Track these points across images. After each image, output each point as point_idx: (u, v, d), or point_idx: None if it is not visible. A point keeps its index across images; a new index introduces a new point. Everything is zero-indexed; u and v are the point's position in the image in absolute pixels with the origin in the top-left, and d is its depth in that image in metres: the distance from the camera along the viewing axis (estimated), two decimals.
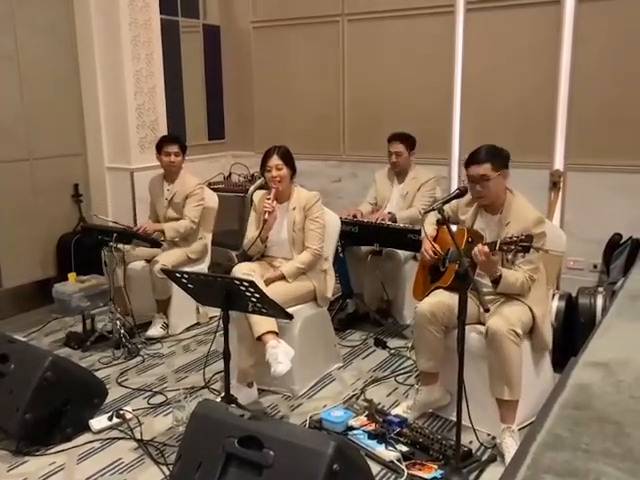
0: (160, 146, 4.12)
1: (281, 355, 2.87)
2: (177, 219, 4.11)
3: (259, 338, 2.96)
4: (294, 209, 3.35)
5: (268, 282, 3.19)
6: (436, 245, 2.93)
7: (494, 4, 4.49)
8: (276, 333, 2.98)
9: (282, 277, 3.24)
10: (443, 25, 4.70)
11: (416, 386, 2.99)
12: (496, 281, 2.66)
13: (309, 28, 5.32)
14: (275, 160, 3.29)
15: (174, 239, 4.07)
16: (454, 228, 3.11)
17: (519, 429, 2.67)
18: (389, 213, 4.09)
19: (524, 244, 2.46)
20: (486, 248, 2.55)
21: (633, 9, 4.03)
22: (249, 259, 3.47)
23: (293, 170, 3.37)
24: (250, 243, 3.33)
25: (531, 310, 2.75)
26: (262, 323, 2.96)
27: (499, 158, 2.74)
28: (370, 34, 5.05)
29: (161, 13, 4.97)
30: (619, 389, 1.11)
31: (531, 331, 2.79)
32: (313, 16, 5.26)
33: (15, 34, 4.40)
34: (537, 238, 2.64)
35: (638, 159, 4.11)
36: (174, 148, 4.08)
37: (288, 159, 3.34)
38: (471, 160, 2.75)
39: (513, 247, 2.49)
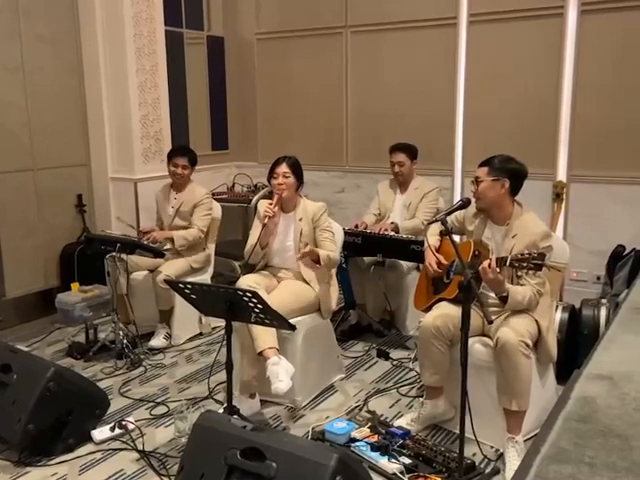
0: (170, 156, 4.15)
1: (282, 373, 2.85)
2: (184, 227, 4.12)
3: (260, 353, 2.95)
4: (300, 220, 3.35)
5: (303, 255, 3.17)
6: (440, 256, 2.94)
7: (497, 16, 4.51)
8: (277, 349, 2.96)
9: (316, 255, 3.21)
10: (446, 37, 4.73)
11: (421, 399, 2.97)
12: (503, 299, 2.65)
13: (313, 40, 5.36)
14: (283, 168, 3.30)
15: (182, 247, 4.07)
16: (459, 239, 3.11)
17: (524, 440, 2.66)
18: (392, 223, 4.09)
19: (536, 262, 2.40)
20: (494, 264, 2.52)
21: (636, 21, 4.05)
22: (252, 268, 3.46)
23: (300, 181, 3.37)
24: (250, 249, 3.32)
25: (536, 322, 2.73)
26: (263, 338, 2.94)
27: (503, 167, 2.77)
28: (373, 46, 5.07)
29: (166, 25, 5.01)
30: (624, 402, 1.11)
31: (536, 343, 2.77)
32: (317, 28, 5.30)
33: (21, 45, 4.43)
34: (544, 252, 2.64)
35: None
36: (183, 161, 4.10)
37: (296, 169, 3.34)
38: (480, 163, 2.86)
39: (525, 264, 2.43)
